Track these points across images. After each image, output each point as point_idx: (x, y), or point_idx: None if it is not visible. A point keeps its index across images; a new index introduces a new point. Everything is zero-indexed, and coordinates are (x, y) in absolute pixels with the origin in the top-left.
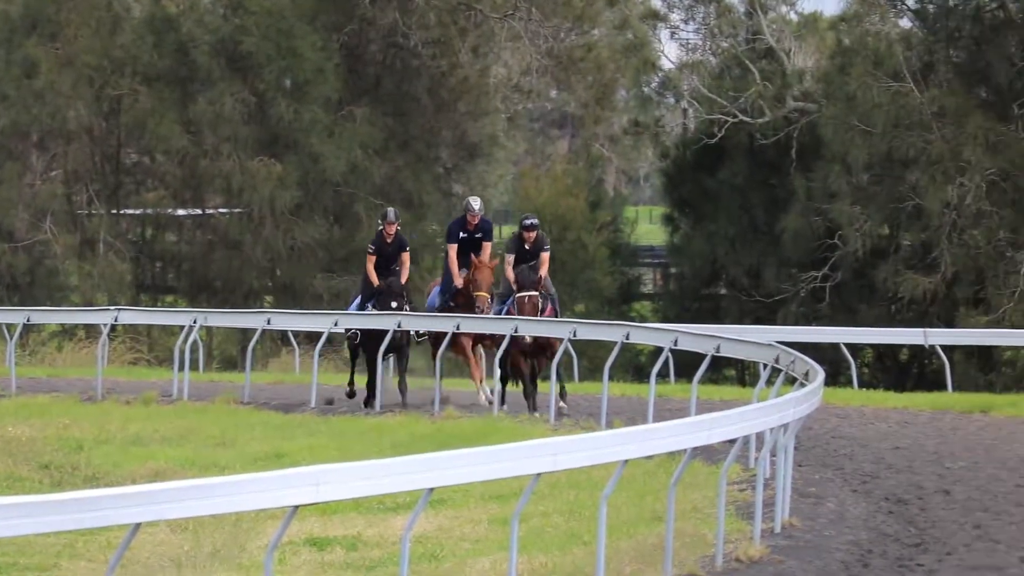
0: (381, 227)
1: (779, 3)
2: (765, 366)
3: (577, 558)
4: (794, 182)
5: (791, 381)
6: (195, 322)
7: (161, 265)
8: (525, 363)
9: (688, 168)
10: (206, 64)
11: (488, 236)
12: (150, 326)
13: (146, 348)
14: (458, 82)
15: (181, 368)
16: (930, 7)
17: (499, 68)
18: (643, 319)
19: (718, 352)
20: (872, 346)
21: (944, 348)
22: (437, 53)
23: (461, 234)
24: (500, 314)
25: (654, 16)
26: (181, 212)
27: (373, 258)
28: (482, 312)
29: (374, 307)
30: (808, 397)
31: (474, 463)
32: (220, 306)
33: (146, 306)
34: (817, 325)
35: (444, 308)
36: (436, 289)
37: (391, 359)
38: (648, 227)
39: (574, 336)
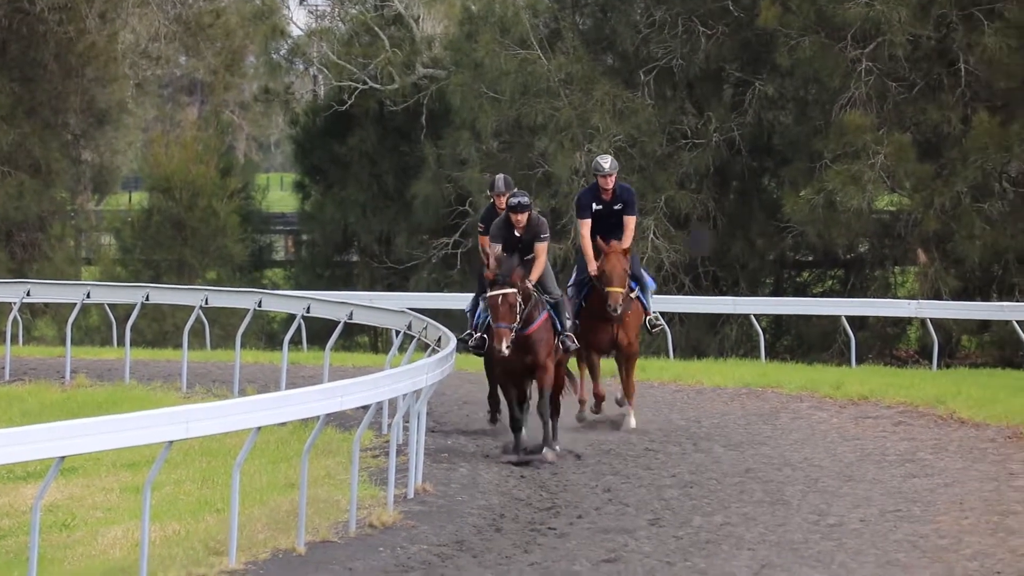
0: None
1: None
2: (398, 333)
3: (210, 525)
4: (424, 149)
5: (424, 347)
6: None
7: None
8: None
9: (318, 135)
10: None
11: (630, 208)
12: None
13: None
14: (85, 48)
15: None
16: None
17: (127, 34)
18: (275, 286)
19: (351, 319)
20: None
21: None
22: (64, 19)
23: (595, 206)
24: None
25: None
26: None
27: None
28: (616, 313)
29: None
30: (441, 363)
31: (105, 431)
32: None
33: None
34: (448, 292)
35: (577, 308)
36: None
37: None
38: (279, 194)
39: (206, 304)
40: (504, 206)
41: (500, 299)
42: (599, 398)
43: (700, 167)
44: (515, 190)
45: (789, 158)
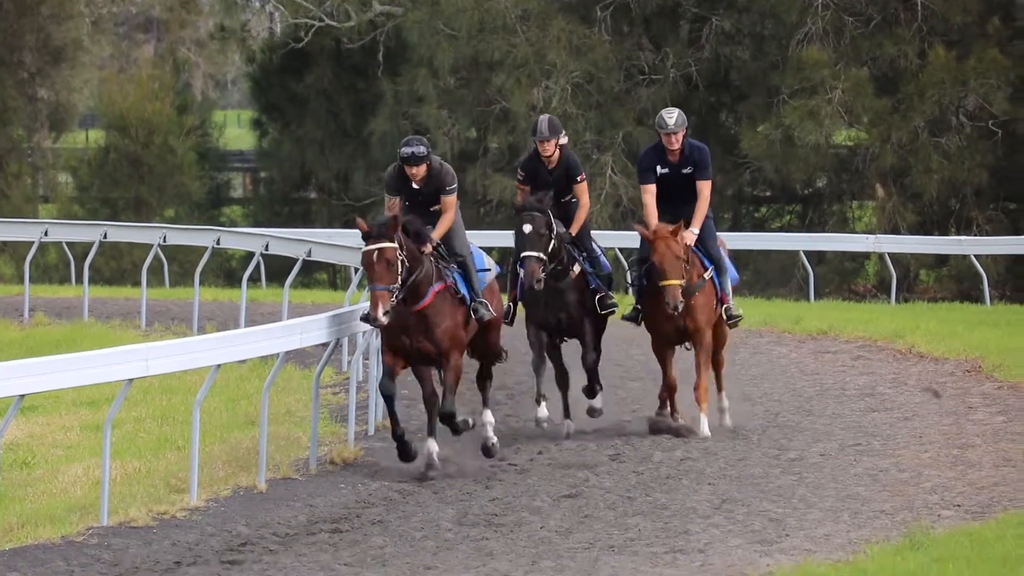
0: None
1: None
2: (357, 269)
3: (171, 463)
4: (382, 86)
5: None
6: None
7: None
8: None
9: (275, 72)
10: None
11: (704, 171)
12: None
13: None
14: None
15: None
16: None
17: None
18: (234, 224)
19: (309, 256)
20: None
21: None
22: None
23: (660, 169)
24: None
25: None
26: None
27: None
28: (676, 312)
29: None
30: None
31: (65, 369)
32: None
33: None
34: None
35: (640, 288)
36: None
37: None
38: (237, 131)
39: (164, 241)
40: (548, 152)
41: (376, 255)
42: (671, 390)
43: (658, 103)
44: (410, 138)
45: (746, 94)
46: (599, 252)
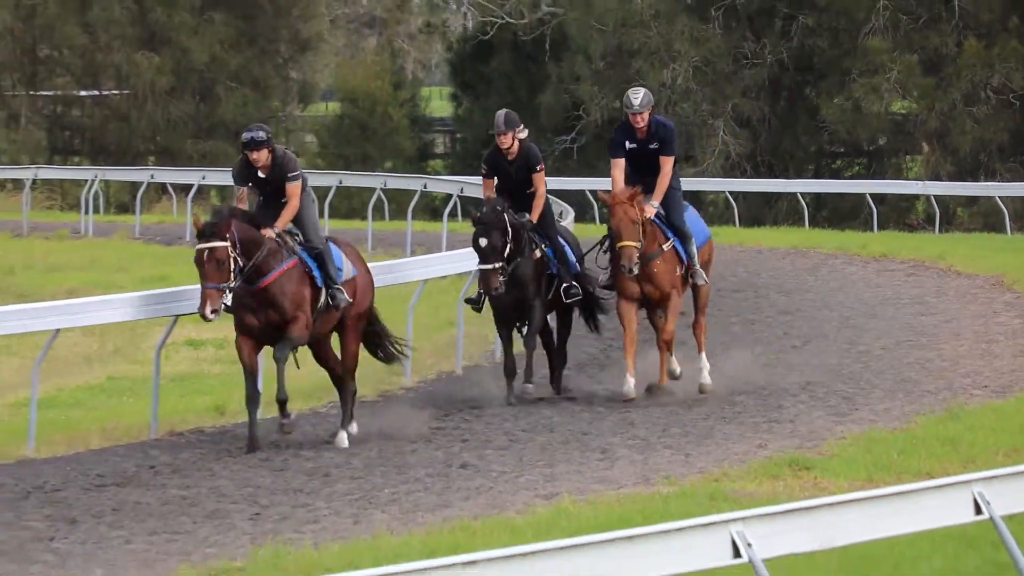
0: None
1: None
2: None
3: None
4: (548, 68)
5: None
6: (96, 177)
7: (69, 134)
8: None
9: (468, 58)
10: None
11: (668, 147)
12: (62, 180)
13: (59, 197)
14: None
15: (87, 212)
16: None
17: None
18: (437, 173)
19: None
20: (608, 191)
21: None
22: None
23: (628, 144)
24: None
25: None
26: (83, 93)
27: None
28: (631, 273)
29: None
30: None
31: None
32: (115, 165)
33: (58, 165)
34: (566, 176)
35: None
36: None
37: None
38: (439, 103)
39: (385, 186)
40: (506, 145)
41: (206, 254)
42: (628, 345)
43: (758, 81)
44: (252, 124)
45: (825, 74)
46: (568, 248)
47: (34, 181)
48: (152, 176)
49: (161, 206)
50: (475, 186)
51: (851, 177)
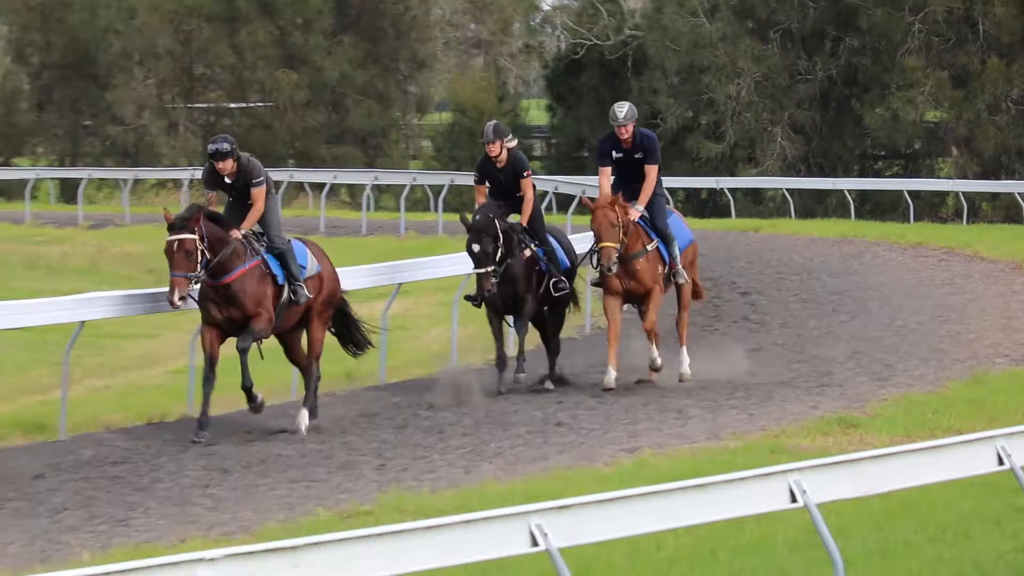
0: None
1: None
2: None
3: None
4: (630, 83)
5: None
6: None
7: None
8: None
9: (561, 75)
10: (245, 8)
11: (651, 157)
12: None
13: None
14: (411, 18)
15: None
16: None
17: (437, 9)
18: (535, 173)
19: (584, 193)
20: (683, 189)
21: (729, 190)
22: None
23: (615, 153)
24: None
25: None
26: (232, 105)
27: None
28: (610, 272)
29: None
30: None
31: (427, 267)
32: None
33: None
34: None
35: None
36: None
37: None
38: (537, 113)
39: None
40: (494, 153)
41: (175, 245)
42: (611, 340)
43: (810, 94)
44: (217, 136)
45: (868, 87)
46: (559, 249)
47: (191, 181)
48: (291, 176)
49: (299, 202)
50: (567, 184)
51: (890, 176)
